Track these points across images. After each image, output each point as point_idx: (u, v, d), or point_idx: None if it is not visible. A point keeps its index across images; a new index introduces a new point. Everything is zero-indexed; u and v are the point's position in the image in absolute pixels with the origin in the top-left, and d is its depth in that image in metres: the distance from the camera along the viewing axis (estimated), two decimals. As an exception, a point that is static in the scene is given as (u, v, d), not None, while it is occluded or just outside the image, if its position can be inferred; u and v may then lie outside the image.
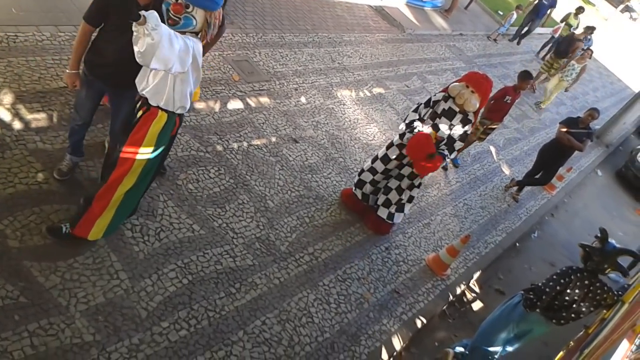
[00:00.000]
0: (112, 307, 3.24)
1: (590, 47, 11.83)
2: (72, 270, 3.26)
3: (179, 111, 3.05)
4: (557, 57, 12.07)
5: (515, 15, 13.52)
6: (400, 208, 5.03)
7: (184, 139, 4.68)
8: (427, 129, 4.64)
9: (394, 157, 4.84)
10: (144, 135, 3.03)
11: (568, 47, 11.89)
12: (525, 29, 14.20)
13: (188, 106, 3.09)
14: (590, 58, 11.36)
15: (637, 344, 3.02)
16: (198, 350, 3.35)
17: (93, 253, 3.42)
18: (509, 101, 6.75)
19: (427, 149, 4.48)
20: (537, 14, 13.74)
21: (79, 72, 3.32)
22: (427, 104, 4.74)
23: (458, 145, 4.68)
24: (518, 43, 14.57)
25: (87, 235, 3.28)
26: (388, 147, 4.91)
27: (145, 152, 3.07)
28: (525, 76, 6.77)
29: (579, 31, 12.65)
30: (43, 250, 3.25)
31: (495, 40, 13.63)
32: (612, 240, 3.92)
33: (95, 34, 3.22)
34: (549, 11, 13.95)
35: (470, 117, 4.58)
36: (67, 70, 3.32)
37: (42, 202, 3.49)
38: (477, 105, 4.50)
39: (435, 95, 4.74)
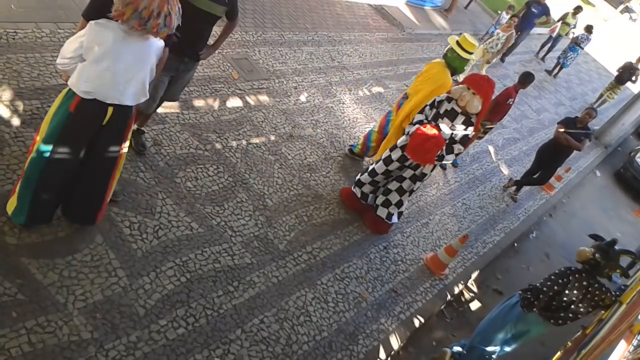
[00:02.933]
0: (110, 305, 3.24)
1: (518, 16, 10.47)
2: (70, 268, 3.26)
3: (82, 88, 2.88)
4: (618, 84, 13.11)
5: (505, 16, 12.17)
6: (398, 208, 5.02)
7: (183, 137, 4.68)
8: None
9: (396, 158, 4.83)
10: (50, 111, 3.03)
11: (630, 76, 12.93)
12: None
13: (90, 89, 2.86)
14: (515, 25, 10.19)
15: (634, 344, 3.03)
16: (196, 348, 3.35)
17: (91, 250, 3.41)
18: (511, 103, 6.78)
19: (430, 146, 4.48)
20: (526, 25, 11.75)
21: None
22: (432, 105, 4.73)
23: (457, 148, 4.64)
24: (502, 60, 12.19)
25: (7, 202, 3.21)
26: (392, 149, 4.89)
27: (44, 127, 3.04)
28: (525, 77, 6.83)
29: (578, 30, 12.44)
30: (41, 247, 3.25)
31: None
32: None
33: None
34: (540, 19, 11.94)
35: (473, 119, 4.56)
36: (66, 67, 3.31)
37: (40, 199, 3.48)
38: (480, 108, 4.48)
39: (439, 96, 4.73)
